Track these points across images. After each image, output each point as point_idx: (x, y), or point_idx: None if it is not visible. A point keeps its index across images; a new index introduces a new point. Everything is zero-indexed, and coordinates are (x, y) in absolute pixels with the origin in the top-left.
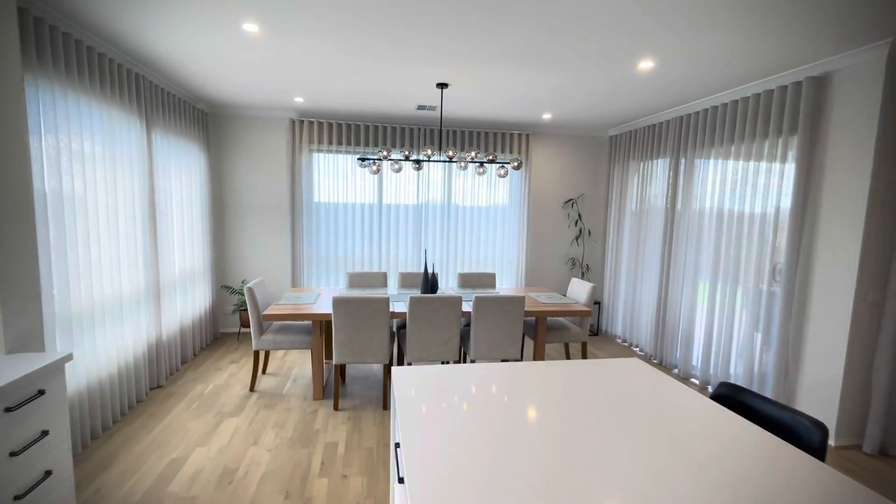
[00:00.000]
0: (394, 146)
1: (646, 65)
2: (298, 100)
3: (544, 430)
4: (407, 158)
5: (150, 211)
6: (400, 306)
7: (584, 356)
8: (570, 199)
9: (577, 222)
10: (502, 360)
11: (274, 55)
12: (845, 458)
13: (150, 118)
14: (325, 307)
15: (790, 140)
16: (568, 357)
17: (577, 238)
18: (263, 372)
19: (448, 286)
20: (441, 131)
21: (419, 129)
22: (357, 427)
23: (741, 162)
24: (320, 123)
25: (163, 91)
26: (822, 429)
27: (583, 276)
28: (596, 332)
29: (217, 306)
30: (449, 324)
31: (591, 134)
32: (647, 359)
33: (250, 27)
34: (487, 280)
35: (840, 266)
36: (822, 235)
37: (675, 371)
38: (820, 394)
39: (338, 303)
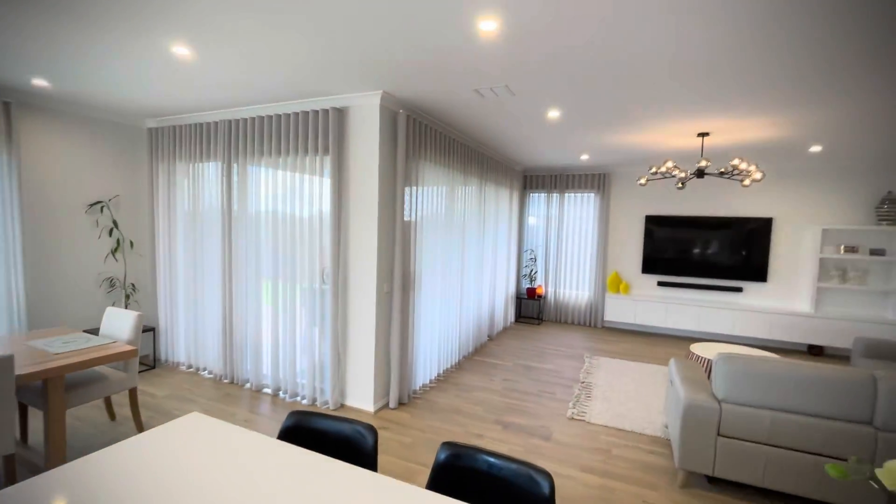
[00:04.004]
0: None
1: (180, 51)
2: None
3: None
4: None
5: None
6: None
7: (135, 408)
8: (99, 202)
9: (111, 231)
10: None
11: None
12: (381, 417)
13: None
14: None
15: (325, 158)
16: (112, 415)
17: (113, 251)
18: None
19: None
20: None
21: None
22: None
23: (289, 173)
24: None
25: None
26: (373, 431)
27: (128, 300)
28: (153, 364)
29: None
30: None
31: (121, 121)
32: (218, 380)
33: None
34: None
35: (366, 264)
36: (353, 240)
37: (248, 385)
38: (363, 371)
39: None
